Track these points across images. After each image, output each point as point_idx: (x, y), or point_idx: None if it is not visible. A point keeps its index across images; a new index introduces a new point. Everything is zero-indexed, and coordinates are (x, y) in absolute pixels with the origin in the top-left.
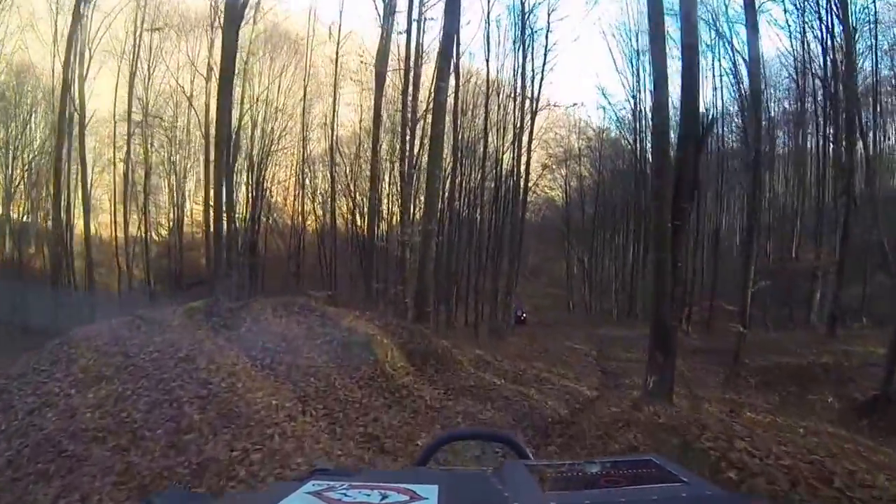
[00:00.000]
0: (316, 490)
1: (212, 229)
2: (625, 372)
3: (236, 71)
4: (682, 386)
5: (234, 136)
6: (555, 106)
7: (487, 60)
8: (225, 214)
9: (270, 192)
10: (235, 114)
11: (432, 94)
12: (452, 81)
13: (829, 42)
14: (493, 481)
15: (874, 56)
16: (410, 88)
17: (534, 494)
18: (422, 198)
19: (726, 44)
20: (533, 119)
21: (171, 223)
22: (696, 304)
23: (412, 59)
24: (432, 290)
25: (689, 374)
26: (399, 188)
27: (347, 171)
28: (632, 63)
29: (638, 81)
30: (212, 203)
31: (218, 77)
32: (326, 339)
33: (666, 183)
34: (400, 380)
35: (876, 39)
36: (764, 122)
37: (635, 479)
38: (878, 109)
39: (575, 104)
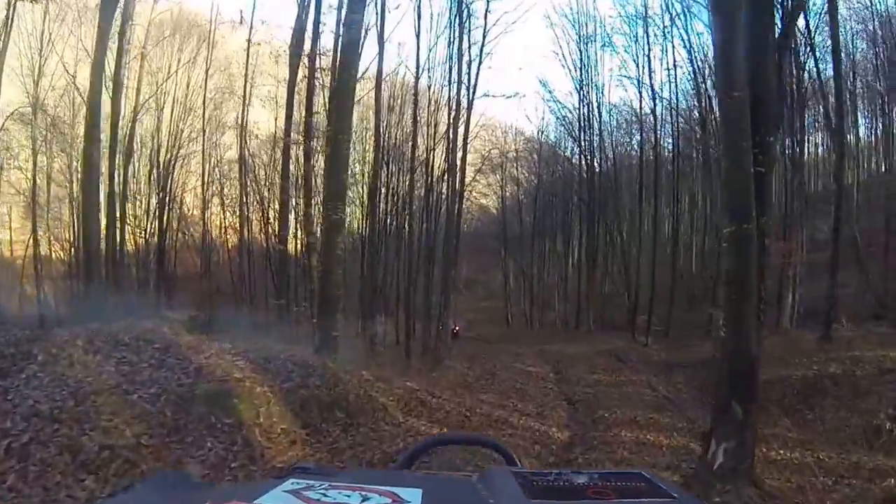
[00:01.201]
0: (295, 489)
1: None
2: (597, 401)
3: (130, 59)
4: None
5: (125, 136)
6: (494, 96)
7: (418, 35)
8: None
9: (181, 201)
10: (138, 111)
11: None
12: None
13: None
14: (477, 487)
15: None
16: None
17: (518, 502)
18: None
19: None
20: (469, 110)
21: (73, 239)
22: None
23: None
24: (339, 304)
25: (674, 397)
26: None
27: (262, 176)
28: (579, 49)
29: (584, 71)
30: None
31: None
32: (154, 390)
33: (739, 101)
34: (278, 457)
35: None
36: None
37: (623, 493)
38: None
39: (516, 94)
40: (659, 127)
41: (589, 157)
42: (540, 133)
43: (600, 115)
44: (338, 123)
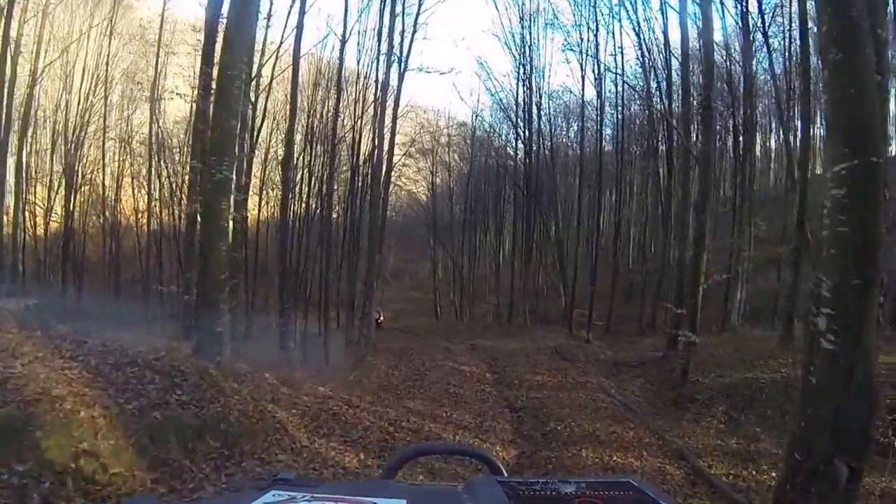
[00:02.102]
0: (275, 501)
1: None
2: (546, 409)
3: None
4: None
5: (22, 105)
6: (428, 71)
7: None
8: None
9: (91, 180)
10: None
11: None
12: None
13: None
14: (463, 498)
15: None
16: None
17: None
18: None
19: None
20: (400, 84)
21: None
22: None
23: None
24: (224, 290)
25: (631, 402)
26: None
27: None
28: (521, 27)
29: (526, 51)
30: None
31: None
32: None
33: None
34: None
35: None
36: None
37: (612, 502)
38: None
39: (452, 69)
40: (602, 114)
41: (527, 144)
42: (475, 117)
43: (540, 100)
44: (226, 56)
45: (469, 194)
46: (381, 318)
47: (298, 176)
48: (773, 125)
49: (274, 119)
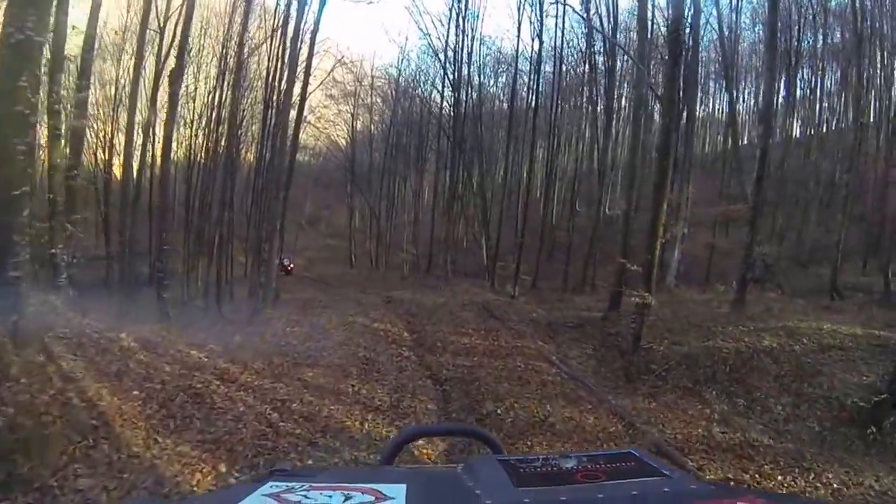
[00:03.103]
0: (274, 492)
1: None
2: (479, 383)
3: None
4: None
5: None
6: None
7: None
8: None
9: None
10: None
11: None
12: None
13: None
14: (463, 478)
15: None
16: None
17: (506, 491)
18: None
19: None
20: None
21: None
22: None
23: None
24: (20, 214)
25: (577, 373)
26: None
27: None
28: None
29: None
30: None
31: None
32: None
33: None
34: None
35: None
36: None
37: (615, 474)
38: None
39: None
40: (540, 57)
41: (456, 91)
42: (401, 59)
43: (472, 45)
44: None
45: (390, 141)
46: (292, 265)
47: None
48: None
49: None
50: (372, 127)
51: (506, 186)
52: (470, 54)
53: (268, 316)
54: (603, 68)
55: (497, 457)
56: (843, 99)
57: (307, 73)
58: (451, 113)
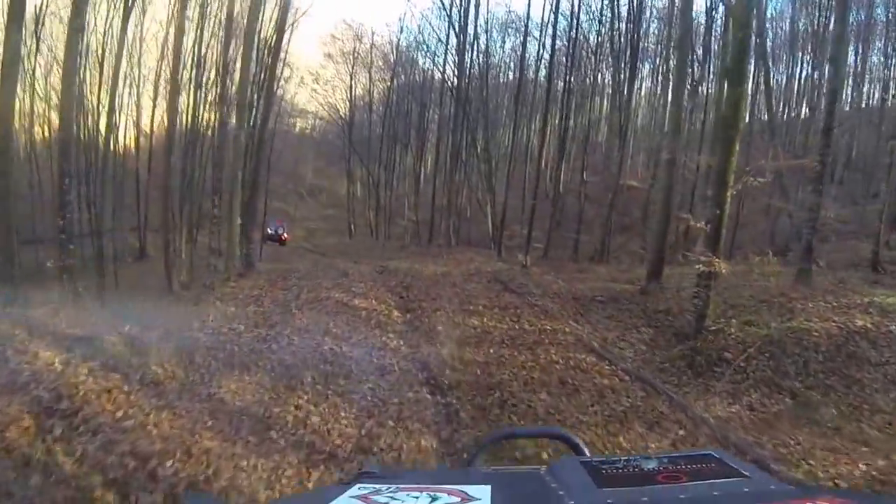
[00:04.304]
0: (362, 493)
1: None
2: (502, 390)
3: None
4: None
5: None
6: None
7: None
8: None
9: None
10: None
11: None
12: None
13: None
14: (546, 479)
15: None
16: None
17: (589, 492)
18: None
19: None
20: None
21: None
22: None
23: None
24: None
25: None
26: None
27: None
28: None
29: None
30: None
31: None
32: None
33: None
34: None
35: None
36: None
37: (695, 475)
38: None
39: None
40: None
41: (461, 52)
42: (404, 16)
43: (476, 11)
44: None
45: (391, 105)
46: (286, 234)
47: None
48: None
49: None
50: (372, 88)
51: (512, 152)
52: (477, 8)
53: (227, 291)
54: (626, 29)
55: (579, 458)
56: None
57: (283, 15)
58: (456, 72)
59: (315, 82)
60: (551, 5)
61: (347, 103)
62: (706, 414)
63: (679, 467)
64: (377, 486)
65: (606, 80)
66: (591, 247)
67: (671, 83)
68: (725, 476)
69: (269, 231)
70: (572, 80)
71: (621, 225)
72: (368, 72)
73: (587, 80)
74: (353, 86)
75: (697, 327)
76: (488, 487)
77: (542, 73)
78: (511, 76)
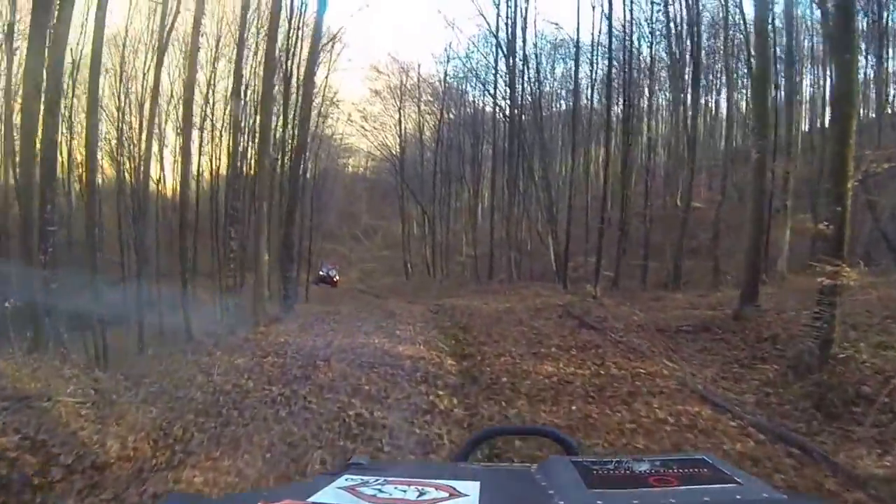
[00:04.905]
0: (350, 485)
1: None
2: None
3: None
4: None
5: None
6: None
7: None
8: None
9: None
10: None
11: None
12: None
13: None
14: (536, 478)
15: None
16: None
17: (579, 492)
18: None
19: None
20: None
21: None
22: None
23: None
24: None
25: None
26: None
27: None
28: None
29: None
30: None
31: None
32: None
33: None
34: None
35: None
36: None
37: (687, 479)
38: None
39: None
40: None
41: (512, 81)
42: (448, 51)
43: (524, 37)
44: None
45: (442, 140)
46: (337, 276)
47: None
48: None
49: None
50: (422, 122)
51: (572, 180)
52: (525, 30)
53: (250, 338)
54: (689, 43)
55: (570, 458)
56: None
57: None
58: (508, 100)
59: (364, 120)
60: (601, 24)
61: (398, 139)
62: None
63: (671, 471)
64: (365, 477)
65: (660, 100)
66: (660, 273)
67: (753, 72)
68: (717, 482)
69: (321, 273)
70: (630, 100)
71: (687, 248)
72: (417, 106)
73: (643, 99)
74: (403, 121)
75: (822, 356)
76: (477, 483)
77: (596, 96)
78: (563, 104)
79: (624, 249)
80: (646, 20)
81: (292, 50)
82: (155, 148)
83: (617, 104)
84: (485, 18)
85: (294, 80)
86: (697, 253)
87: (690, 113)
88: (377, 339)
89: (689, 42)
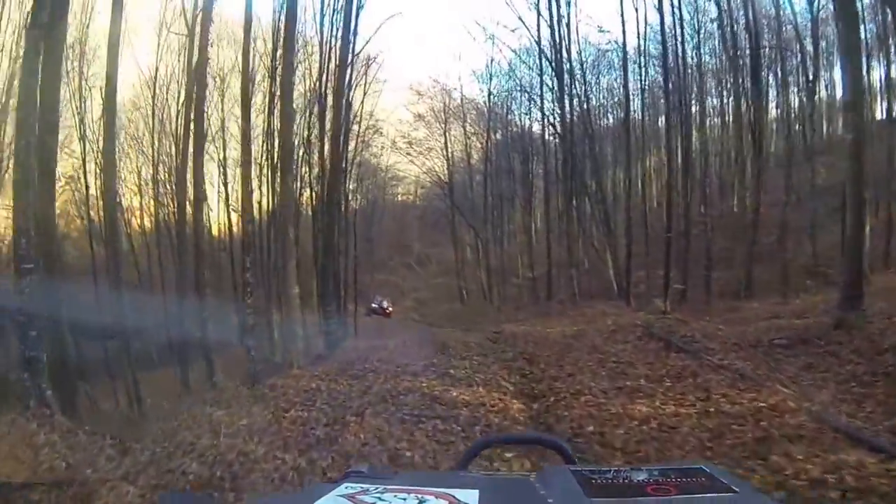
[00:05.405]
0: (349, 493)
1: None
2: None
3: None
4: None
5: None
6: None
7: None
8: None
9: None
10: None
11: None
12: None
13: None
14: (536, 486)
15: None
16: None
17: (577, 501)
18: None
19: None
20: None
21: None
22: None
23: None
24: None
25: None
26: None
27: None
28: None
29: None
30: None
31: None
32: None
33: None
34: None
35: None
36: None
37: (684, 489)
38: None
39: None
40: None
41: (560, 102)
42: (490, 68)
43: (569, 47)
44: None
45: (491, 160)
46: (390, 307)
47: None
48: None
49: None
50: (468, 144)
51: (629, 192)
52: (569, 38)
53: (279, 384)
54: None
55: (570, 467)
56: None
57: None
58: (558, 114)
59: (409, 145)
60: (645, 29)
61: (445, 163)
62: None
63: (669, 480)
64: (365, 486)
65: (713, 103)
66: (726, 282)
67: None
68: (715, 491)
69: (374, 305)
70: (687, 104)
71: (754, 255)
72: (463, 127)
73: (697, 102)
74: (449, 144)
75: None
76: (476, 492)
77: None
78: (611, 115)
79: (686, 259)
80: (689, 21)
81: (324, 68)
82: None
83: (672, 109)
84: (528, 30)
85: (328, 100)
86: (760, 258)
87: (753, 110)
88: (426, 380)
89: (745, 38)
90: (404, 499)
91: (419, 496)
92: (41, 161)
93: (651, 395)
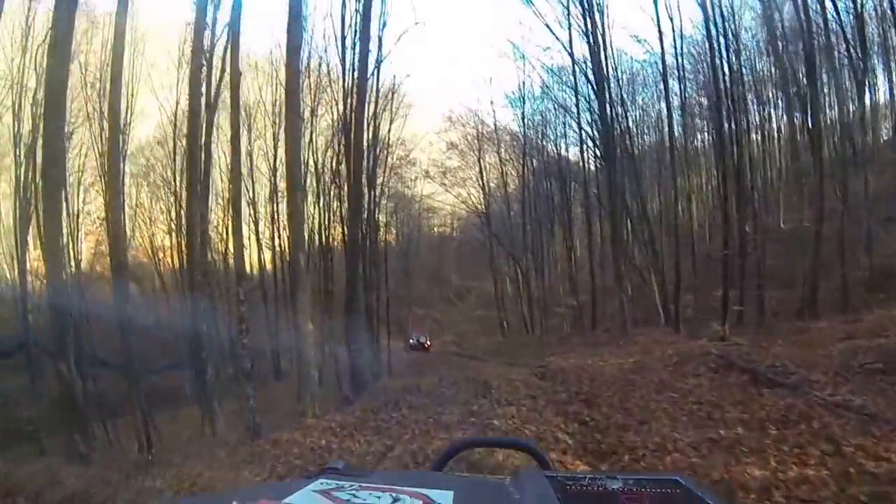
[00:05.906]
0: (324, 489)
1: None
2: None
3: None
4: None
5: None
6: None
7: None
8: None
9: None
10: None
11: None
12: None
13: None
14: (510, 490)
15: None
16: None
17: None
18: None
19: None
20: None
21: None
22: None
23: None
24: None
25: None
26: None
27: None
28: None
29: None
30: None
31: None
32: None
33: None
34: None
35: None
36: None
37: (658, 500)
38: None
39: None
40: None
41: (602, 116)
42: (523, 90)
43: (606, 60)
44: None
45: (528, 186)
46: (428, 342)
47: None
48: None
49: None
50: (503, 171)
51: (676, 214)
52: (605, 51)
53: (288, 437)
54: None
55: (545, 472)
56: None
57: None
58: (597, 130)
59: (443, 175)
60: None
61: (481, 192)
62: None
63: (643, 490)
64: (340, 482)
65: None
66: (784, 301)
67: None
68: (688, 503)
69: (412, 341)
70: (738, 118)
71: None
72: (497, 153)
73: (748, 117)
74: (483, 172)
75: None
76: (451, 493)
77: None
78: (648, 134)
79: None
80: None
81: (350, 94)
82: None
83: (722, 124)
84: (562, 44)
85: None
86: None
87: (811, 115)
88: (462, 433)
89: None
90: (379, 496)
91: (393, 494)
92: None
93: (759, 450)
